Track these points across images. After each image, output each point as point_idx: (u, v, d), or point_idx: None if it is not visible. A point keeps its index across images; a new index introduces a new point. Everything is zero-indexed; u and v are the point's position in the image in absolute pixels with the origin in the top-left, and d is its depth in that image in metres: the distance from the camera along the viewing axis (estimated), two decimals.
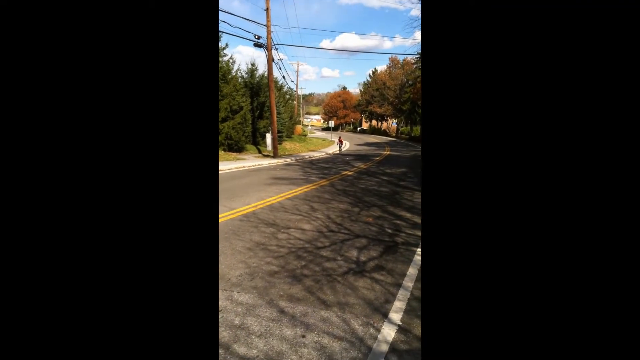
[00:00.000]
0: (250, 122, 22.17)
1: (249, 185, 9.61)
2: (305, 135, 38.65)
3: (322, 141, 36.30)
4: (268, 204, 7.16)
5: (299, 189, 9.06)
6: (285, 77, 60.26)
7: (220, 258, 4.07)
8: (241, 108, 20.57)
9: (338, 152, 26.34)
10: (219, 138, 19.41)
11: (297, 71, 56.18)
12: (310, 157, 20.94)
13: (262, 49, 18.57)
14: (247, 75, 24.00)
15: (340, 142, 28.43)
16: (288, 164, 16.53)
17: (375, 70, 65.06)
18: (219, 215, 6.09)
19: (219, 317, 2.78)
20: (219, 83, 19.20)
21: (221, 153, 18.70)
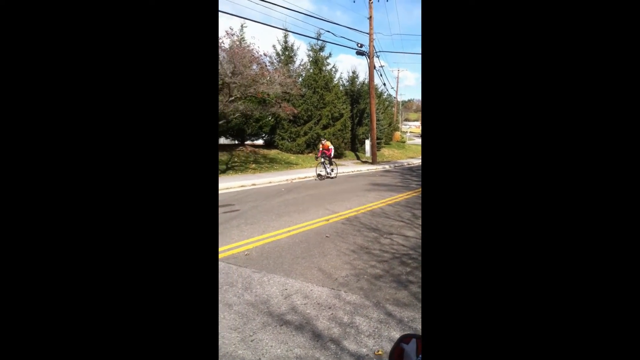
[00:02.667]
0: (350, 129, 22.53)
1: (349, 190, 9.78)
2: (404, 142, 38.04)
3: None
4: (369, 209, 7.22)
5: (400, 195, 8.97)
6: (386, 83, 60.03)
7: (326, 258, 4.23)
8: (341, 115, 21.02)
9: (319, 176, 13.07)
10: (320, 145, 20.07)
11: (397, 78, 55.58)
12: (409, 164, 20.55)
13: (364, 56, 18.82)
14: (347, 83, 24.50)
15: (326, 152, 13.32)
16: (387, 171, 16.44)
17: None
18: (325, 218, 6.32)
19: (329, 313, 2.90)
20: (322, 92, 19.88)
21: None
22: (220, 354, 2.34)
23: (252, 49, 13.38)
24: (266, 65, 14.17)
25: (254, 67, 13.14)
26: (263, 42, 39.50)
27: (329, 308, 3.00)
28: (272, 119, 19.23)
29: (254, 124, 18.57)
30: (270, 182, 11.05)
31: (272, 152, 18.25)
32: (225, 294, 3.24)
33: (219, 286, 3.40)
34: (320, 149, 13.57)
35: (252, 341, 2.50)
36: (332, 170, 13.47)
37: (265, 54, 14.61)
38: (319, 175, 13.11)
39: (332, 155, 13.58)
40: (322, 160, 13.29)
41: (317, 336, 2.58)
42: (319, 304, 3.09)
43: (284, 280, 3.57)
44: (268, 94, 14.42)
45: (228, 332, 2.62)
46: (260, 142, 20.63)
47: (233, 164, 14.49)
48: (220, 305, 3.02)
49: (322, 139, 14.56)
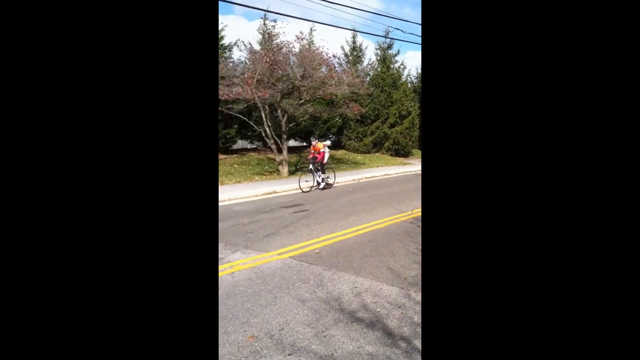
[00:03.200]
0: (418, 126, 22.04)
1: (416, 189, 9.62)
2: None
3: None
4: None
5: None
6: None
7: (394, 258, 4.25)
8: (409, 113, 20.63)
9: (318, 184, 10.09)
10: (387, 144, 19.89)
11: None
12: None
13: None
14: (416, 80, 23.97)
15: (317, 156, 10.27)
16: None
17: None
18: (392, 217, 6.32)
19: (399, 312, 2.94)
20: (390, 90, 19.68)
21: (388, 158, 19.12)
22: (295, 348, 2.49)
23: (322, 52, 13.64)
24: (335, 67, 14.36)
25: (323, 69, 13.38)
26: (331, 44, 39.99)
27: (399, 307, 3.04)
28: (340, 120, 19.41)
29: (321, 125, 18.89)
30: (337, 182, 11.20)
31: (339, 153, 18.44)
32: (299, 290, 3.40)
33: (292, 282, 3.58)
34: (312, 152, 10.45)
35: (324, 337, 2.62)
36: (324, 178, 10.24)
37: (334, 56, 14.84)
38: (317, 185, 10.06)
39: (326, 160, 10.34)
40: (311, 167, 10.12)
41: (388, 334, 2.63)
42: (389, 302, 3.13)
43: (354, 278, 3.66)
44: (336, 95, 14.61)
45: (302, 327, 2.76)
46: (328, 143, 20.94)
47: (302, 166, 14.89)
48: (294, 301, 3.18)
49: (312, 139, 11.19)
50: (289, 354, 2.42)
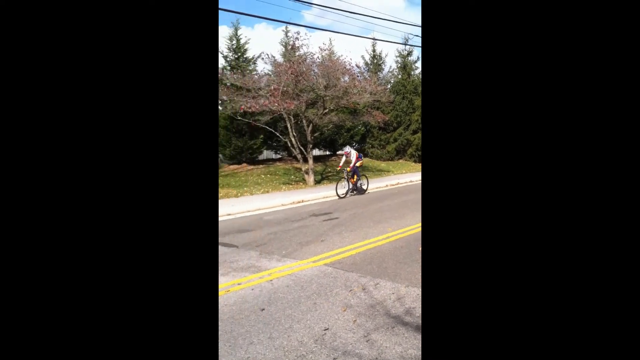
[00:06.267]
0: None
1: None
2: None
3: None
4: None
5: None
6: None
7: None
8: None
9: (342, 194, 10.01)
10: (410, 150, 19.80)
11: None
12: None
13: None
14: None
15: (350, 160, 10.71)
16: None
17: None
18: (411, 227, 6.29)
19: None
20: (411, 96, 19.64)
21: (411, 164, 19.02)
22: (339, 351, 2.55)
23: (344, 61, 13.76)
24: (357, 76, 14.45)
25: (346, 78, 13.49)
26: (352, 53, 40.25)
27: None
28: (363, 128, 19.47)
29: (345, 133, 18.99)
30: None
31: (363, 160, 18.45)
32: (337, 297, 3.46)
33: (330, 289, 3.64)
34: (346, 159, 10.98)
35: (367, 341, 2.66)
36: (356, 183, 10.70)
37: (357, 65, 14.94)
38: (350, 190, 10.49)
39: (353, 166, 10.58)
40: (345, 174, 10.53)
41: None
42: None
43: (391, 284, 3.69)
44: (359, 104, 14.69)
45: (344, 331, 2.81)
46: (347, 149, 20.95)
47: (327, 174, 14.99)
48: (333, 307, 3.24)
49: (346, 148, 11.51)
50: (334, 358, 2.47)
